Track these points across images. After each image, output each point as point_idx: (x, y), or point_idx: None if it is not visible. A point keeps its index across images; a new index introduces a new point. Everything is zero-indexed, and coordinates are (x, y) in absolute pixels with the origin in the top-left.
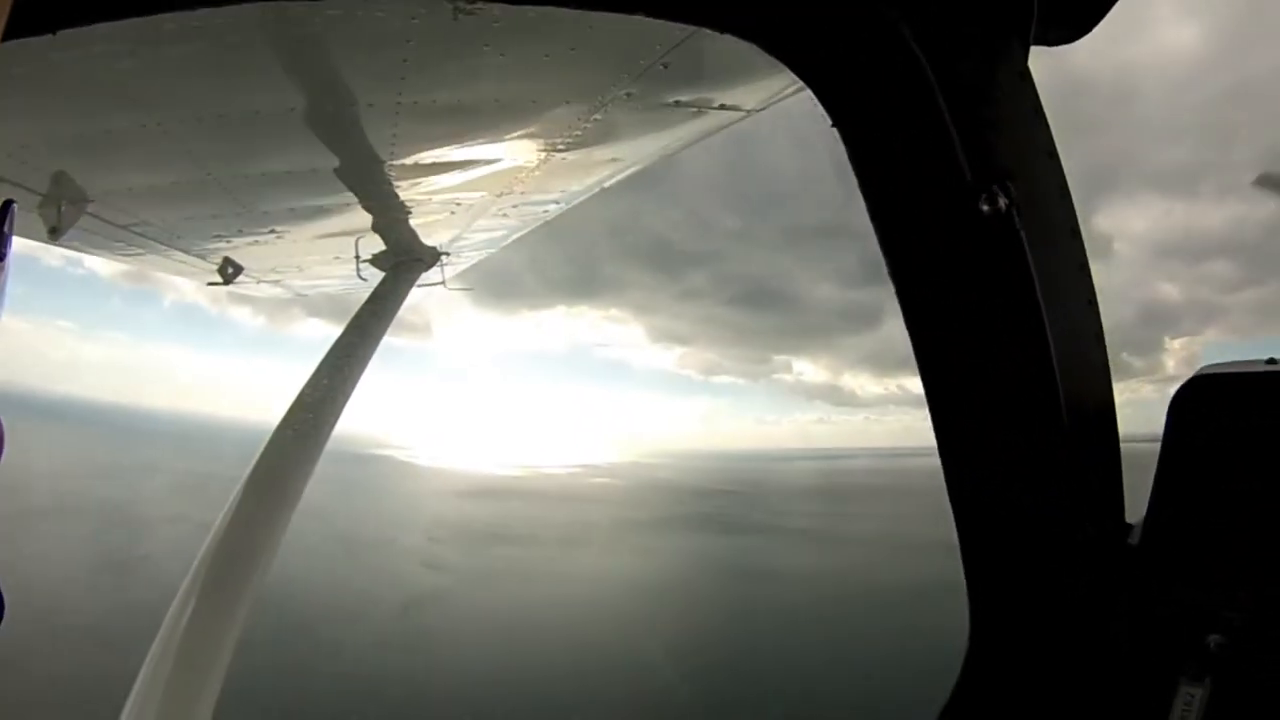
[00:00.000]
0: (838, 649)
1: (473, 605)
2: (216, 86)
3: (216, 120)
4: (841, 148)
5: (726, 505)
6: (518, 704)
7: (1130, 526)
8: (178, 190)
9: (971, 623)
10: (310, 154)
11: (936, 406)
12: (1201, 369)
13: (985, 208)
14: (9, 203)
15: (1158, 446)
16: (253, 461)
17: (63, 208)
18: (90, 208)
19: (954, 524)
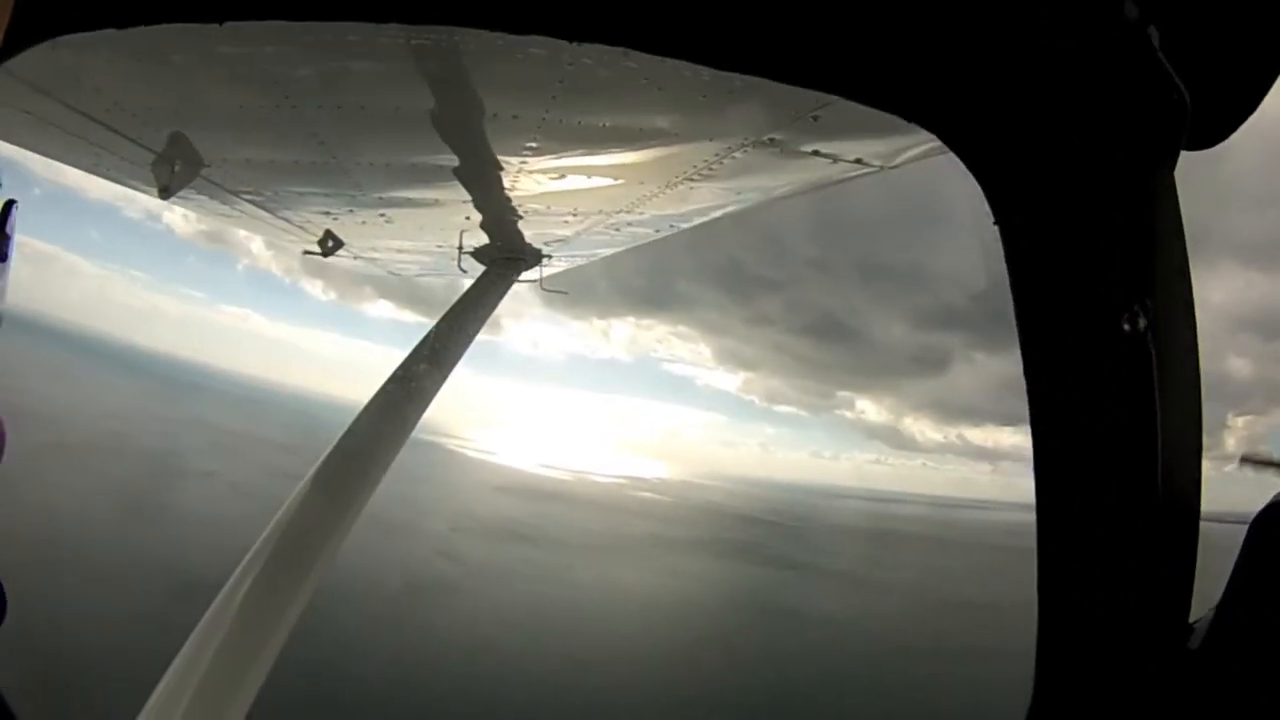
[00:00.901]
0: (841, 703)
1: (474, 600)
2: (362, 85)
3: (353, 109)
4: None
5: (767, 536)
6: (479, 707)
7: (1192, 628)
8: (297, 167)
9: (1035, 690)
10: (440, 152)
11: (1044, 497)
12: None
13: (1126, 327)
14: (10, 204)
15: (1208, 525)
16: (329, 446)
17: (176, 168)
18: (205, 171)
19: (1036, 600)
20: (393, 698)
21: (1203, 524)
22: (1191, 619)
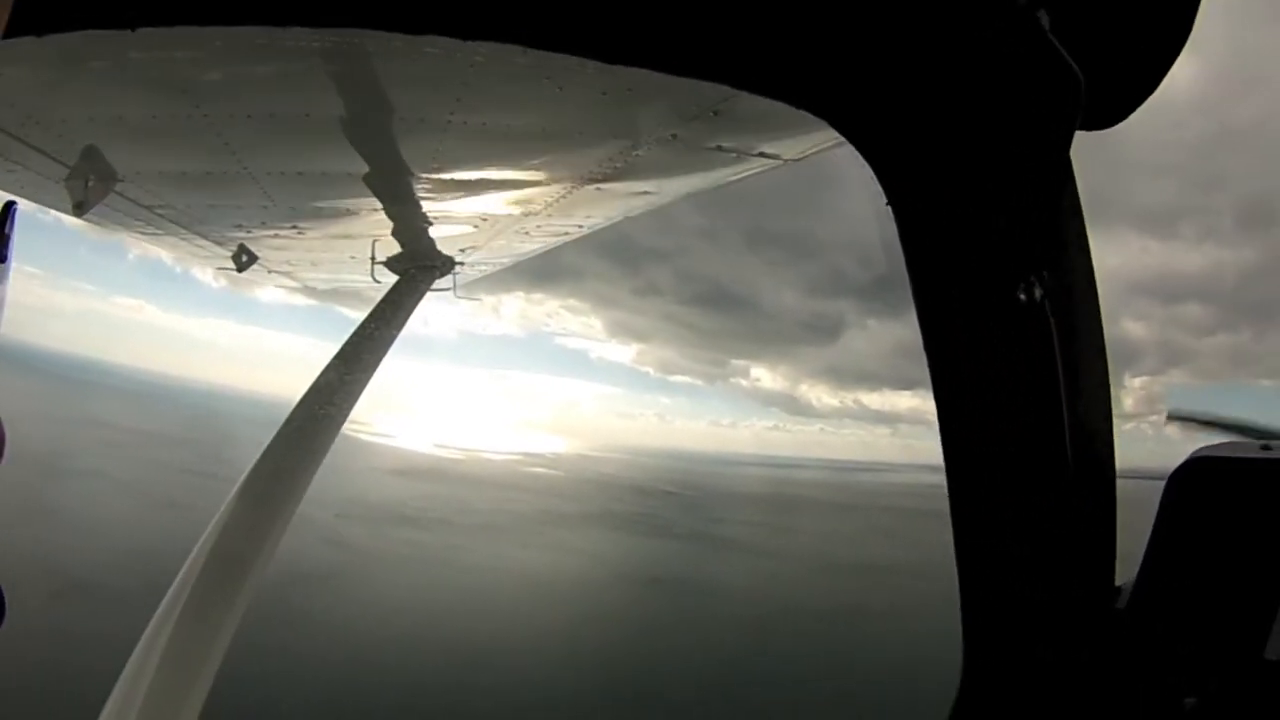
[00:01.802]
0: (718, 669)
1: (355, 588)
2: (270, 89)
3: (266, 119)
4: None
5: (661, 506)
6: (360, 697)
7: (1119, 590)
8: (209, 179)
9: (965, 653)
10: (351, 159)
11: (953, 468)
12: (1198, 451)
13: (1021, 296)
14: (11, 204)
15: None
16: (252, 461)
17: (90, 183)
18: (119, 186)
19: (956, 568)
20: (269, 694)
21: (1121, 481)
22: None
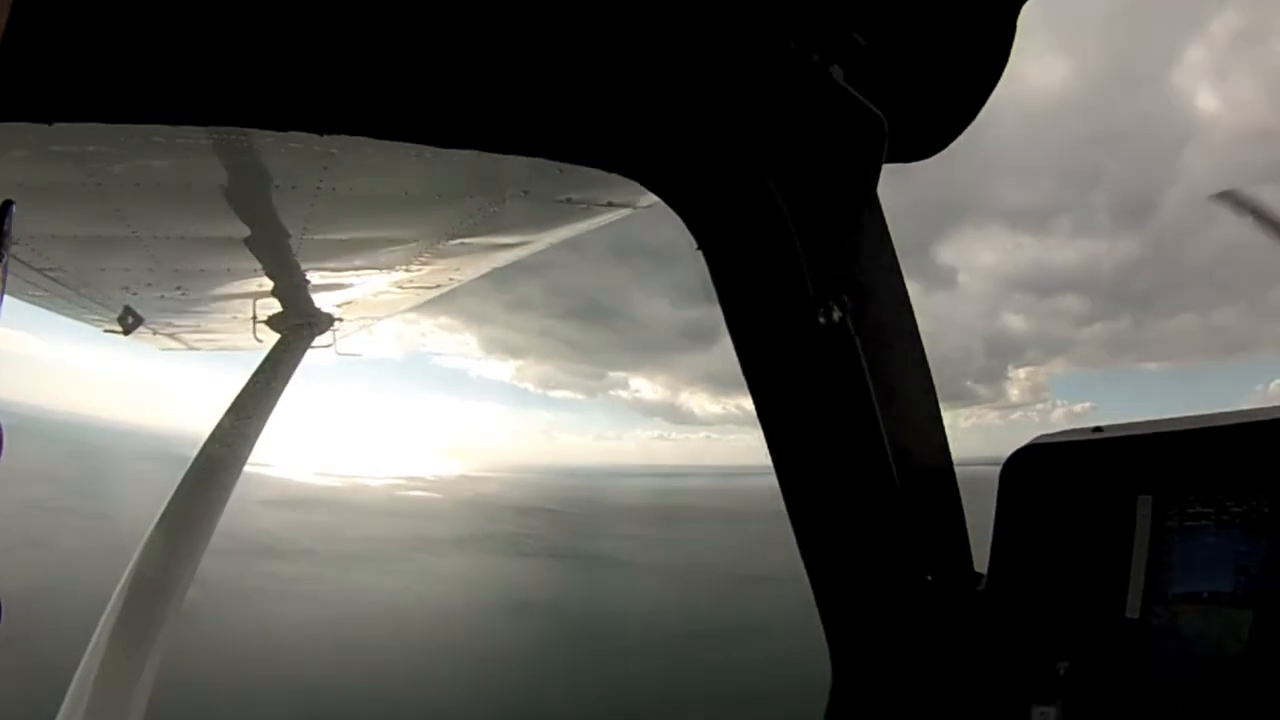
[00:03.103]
0: (577, 696)
1: (205, 626)
2: (158, 160)
3: (152, 186)
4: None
5: (540, 525)
6: None
7: (980, 576)
8: (98, 242)
9: (833, 662)
10: (231, 224)
11: (788, 487)
12: (1034, 439)
13: (822, 320)
14: (8, 203)
15: (995, 469)
16: (149, 526)
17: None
18: (15, 249)
19: (808, 581)
20: None
21: (990, 469)
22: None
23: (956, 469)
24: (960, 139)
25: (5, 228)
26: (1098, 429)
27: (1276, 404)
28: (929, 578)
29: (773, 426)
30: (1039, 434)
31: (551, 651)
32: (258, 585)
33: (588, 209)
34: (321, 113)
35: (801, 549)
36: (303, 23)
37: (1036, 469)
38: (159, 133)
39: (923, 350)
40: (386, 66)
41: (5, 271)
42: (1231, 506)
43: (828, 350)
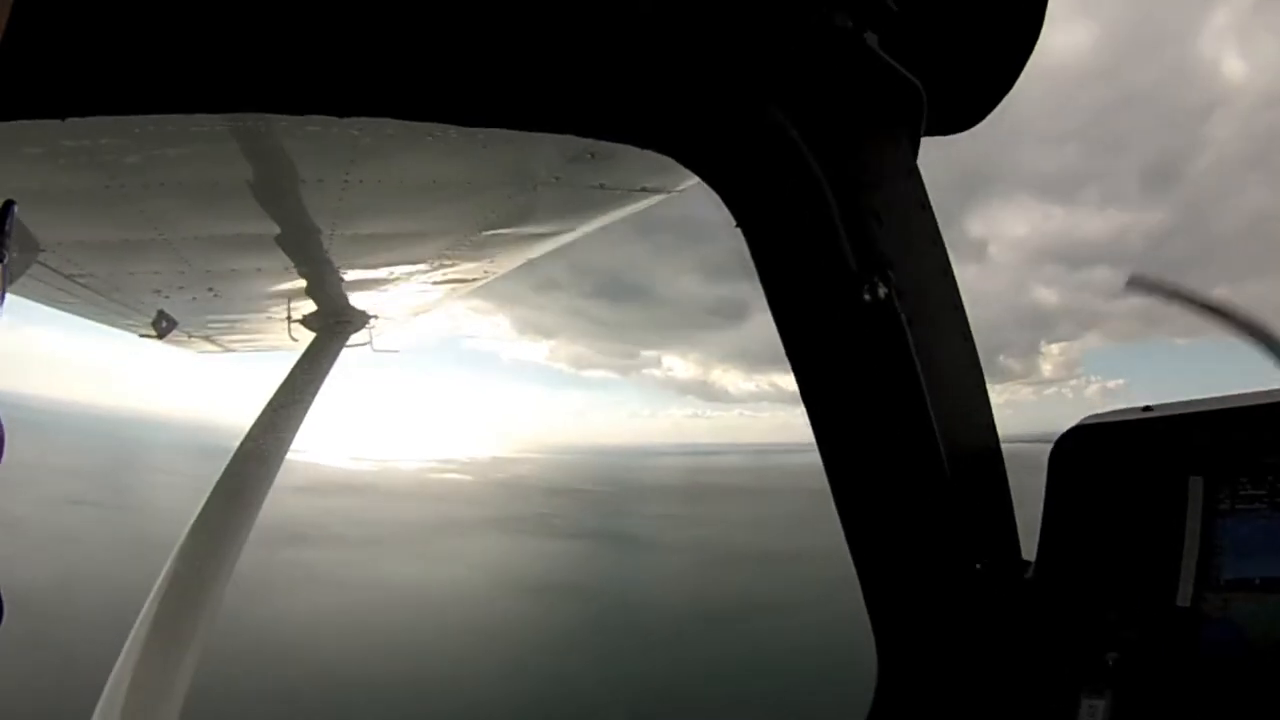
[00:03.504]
0: (596, 680)
1: (229, 615)
2: (181, 161)
3: (175, 185)
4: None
5: (570, 505)
6: None
7: (1028, 563)
8: (126, 246)
9: (879, 652)
10: (259, 221)
11: (833, 472)
12: (1083, 419)
13: (867, 296)
14: (9, 203)
15: (1032, 446)
16: (187, 526)
17: (12, 254)
18: (40, 256)
19: (854, 569)
20: None
21: (1024, 445)
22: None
23: None
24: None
25: (6, 228)
26: (1147, 408)
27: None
28: (977, 565)
29: (817, 408)
30: (1086, 412)
31: (567, 634)
32: (284, 573)
33: (622, 195)
34: (340, 95)
35: (847, 535)
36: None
37: (1086, 450)
38: (176, 128)
39: (967, 325)
40: (406, 44)
41: (6, 271)
42: None
43: (872, 328)
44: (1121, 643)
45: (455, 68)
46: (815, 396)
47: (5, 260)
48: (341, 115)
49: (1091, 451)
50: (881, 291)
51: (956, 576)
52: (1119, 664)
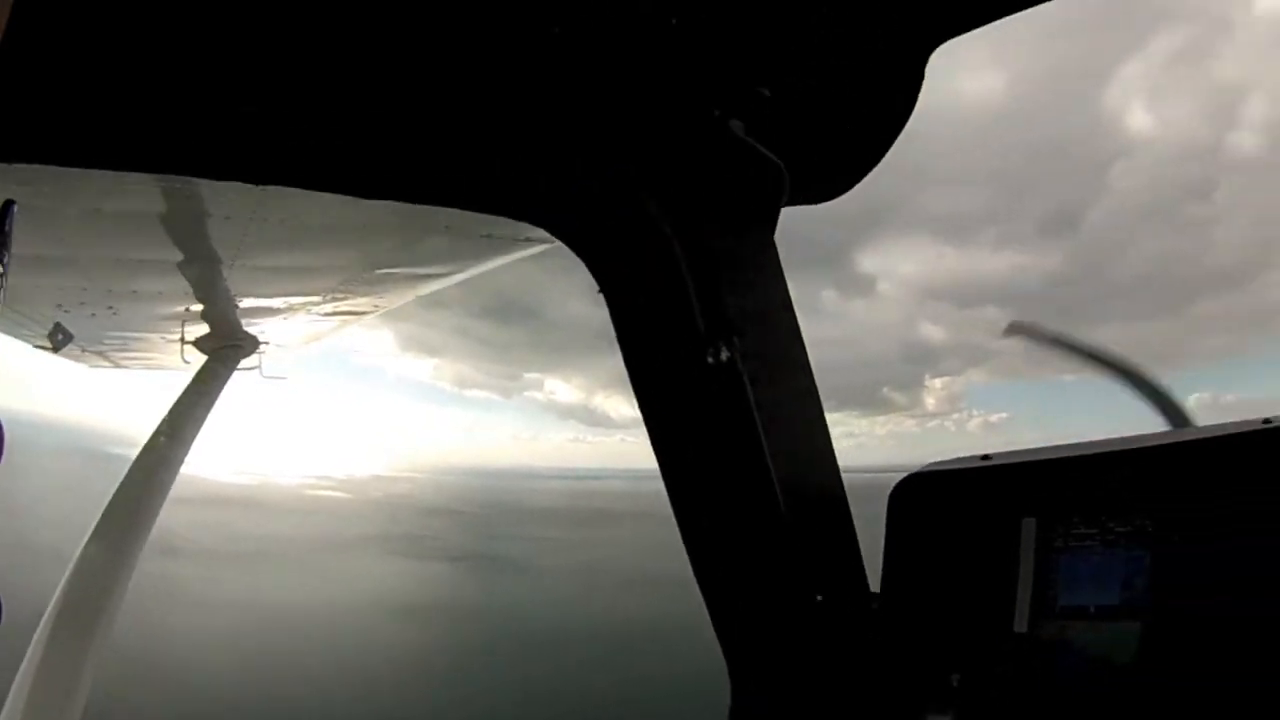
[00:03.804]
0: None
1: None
2: (97, 185)
3: (91, 210)
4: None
5: (445, 526)
6: None
7: (875, 594)
8: (34, 261)
9: (732, 681)
10: (166, 248)
11: (681, 516)
12: (924, 467)
13: (710, 359)
14: (9, 203)
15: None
16: (78, 549)
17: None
18: None
19: (702, 601)
20: None
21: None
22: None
23: (872, 475)
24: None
25: (6, 228)
26: (985, 457)
27: (1159, 430)
28: (819, 598)
29: (667, 463)
30: (967, 444)
31: (428, 656)
32: (153, 587)
33: (508, 243)
34: (258, 165)
35: (698, 578)
36: (239, 82)
37: (924, 496)
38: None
39: (813, 383)
40: (316, 123)
41: (6, 272)
42: (1115, 527)
43: (717, 387)
44: (964, 665)
45: (353, 145)
46: (665, 452)
47: (5, 260)
48: (258, 184)
49: (928, 496)
50: (725, 355)
51: (800, 609)
52: (962, 684)
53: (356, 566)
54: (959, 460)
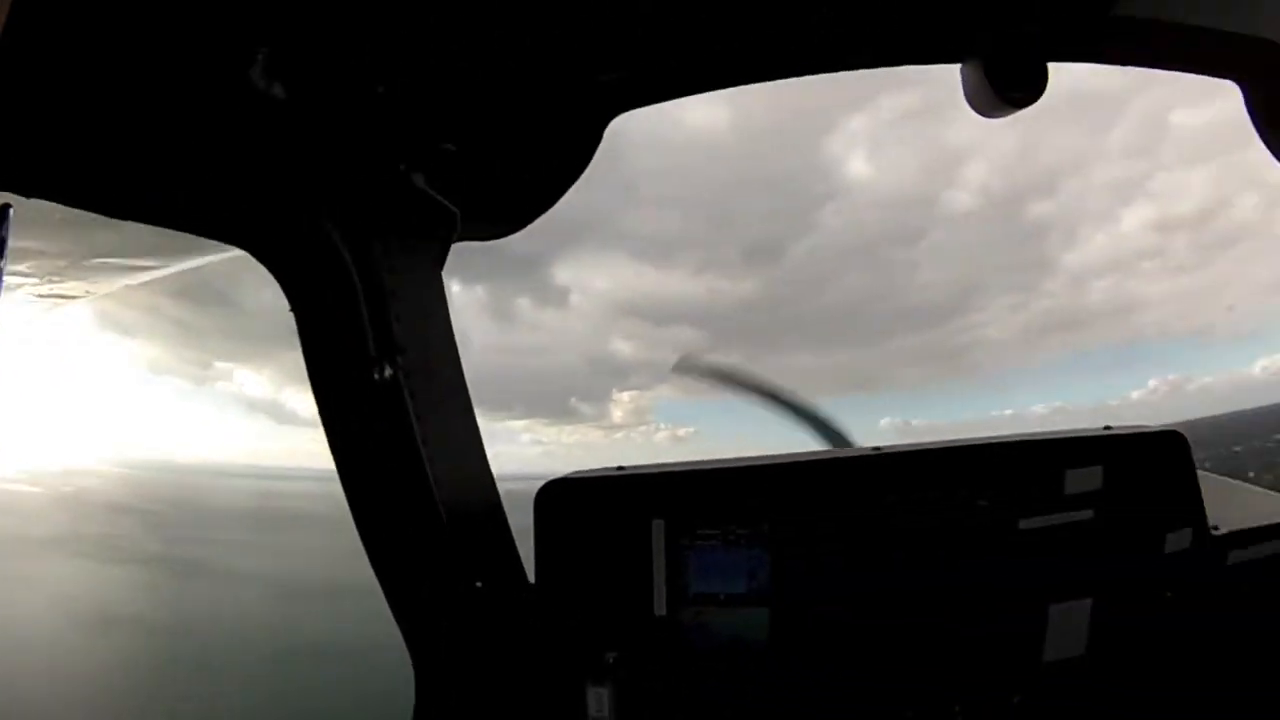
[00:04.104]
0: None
1: None
2: None
3: None
4: None
5: (133, 526)
6: None
7: (532, 584)
8: None
9: (413, 660)
10: None
11: (357, 515)
12: (565, 474)
13: (376, 376)
14: (6, 207)
15: None
16: None
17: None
18: None
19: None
20: None
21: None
22: None
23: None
24: (593, 165)
25: (4, 231)
26: (620, 468)
27: (794, 451)
28: (478, 585)
29: (343, 469)
30: (652, 455)
31: (108, 669)
32: None
33: (221, 245)
34: (24, 178)
35: (377, 574)
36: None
37: (563, 499)
38: None
39: (468, 398)
40: (74, 135)
41: (4, 272)
42: (736, 529)
43: (381, 401)
44: (616, 644)
45: (69, 155)
46: (340, 457)
47: (4, 261)
48: (27, 195)
49: (568, 499)
50: (388, 372)
51: (463, 597)
52: (617, 661)
53: (32, 571)
54: (597, 470)
